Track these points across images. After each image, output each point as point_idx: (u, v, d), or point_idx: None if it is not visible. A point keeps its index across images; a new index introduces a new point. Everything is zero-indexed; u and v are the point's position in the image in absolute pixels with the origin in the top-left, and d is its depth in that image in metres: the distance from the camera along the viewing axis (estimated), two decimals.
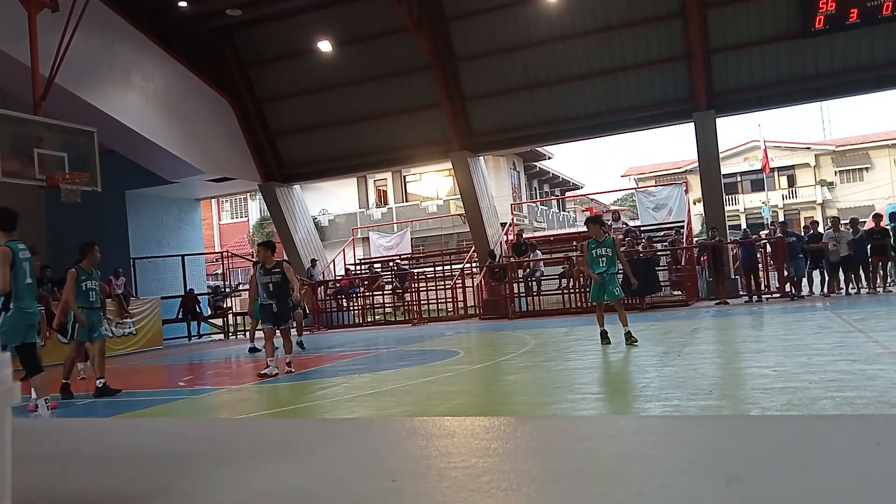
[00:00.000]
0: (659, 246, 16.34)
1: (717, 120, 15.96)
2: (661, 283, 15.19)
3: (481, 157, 18.72)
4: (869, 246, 13.79)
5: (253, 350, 11.85)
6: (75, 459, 0.60)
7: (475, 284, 17.49)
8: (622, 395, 5.08)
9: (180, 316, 17.66)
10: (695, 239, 18.46)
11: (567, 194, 40.31)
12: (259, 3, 16.83)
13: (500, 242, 18.75)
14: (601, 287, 8.16)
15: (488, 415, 4.94)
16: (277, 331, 8.20)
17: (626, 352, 7.52)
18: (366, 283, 19.10)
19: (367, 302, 19.11)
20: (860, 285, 14.02)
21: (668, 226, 17.82)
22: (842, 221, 15.74)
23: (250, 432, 0.63)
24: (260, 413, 5.93)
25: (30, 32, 10.79)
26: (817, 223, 16.58)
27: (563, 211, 40.65)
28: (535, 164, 34.96)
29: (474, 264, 18.56)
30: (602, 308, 8.34)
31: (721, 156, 17.35)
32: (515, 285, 16.32)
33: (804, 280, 14.64)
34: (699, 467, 0.40)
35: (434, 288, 18.38)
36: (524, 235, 18.93)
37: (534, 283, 16.40)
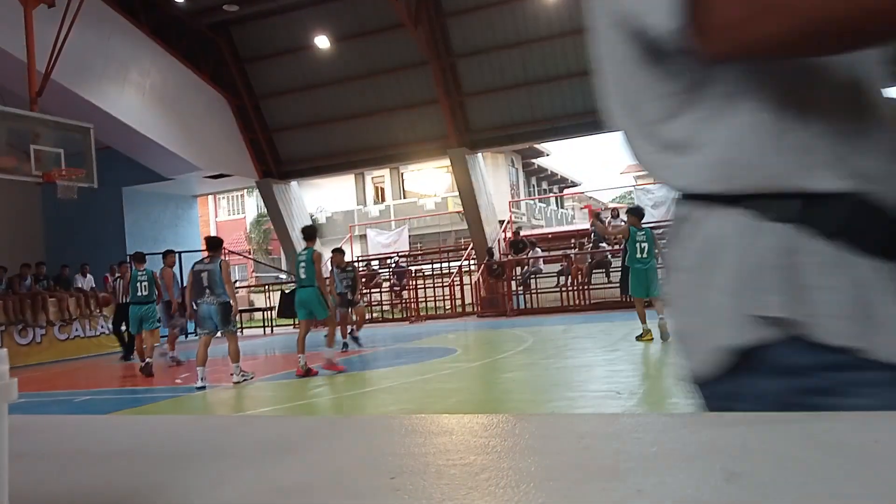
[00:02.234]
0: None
1: None
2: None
3: (479, 154, 18.71)
4: None
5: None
6: (73, 456, 0.60)
7: (473, 282, 17.50)
8: (620, 393, 5.09)
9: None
10: None
11: (565, 192, 40.34)
12: None
13: (499, 240, 18.76)
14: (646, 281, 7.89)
15: (486, 412, 4.95)
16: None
17: (625, 349, 7.53)
18: (363, 280, 19.10)
19: (365, 299, 19.11)
20: None
21: (667, 223, 17.86)
22: None
23: (246, 429, 0.63)
24: (256, 410, 5.94)
25: (26, 27, 10.75)
26: None
27: (562, 208, 40.68)
28: (534, 161, 34.97)
29: (472, 262, 18.58)
30: (643, 304, 8.00)
31: None
32: (513, 283, 16.34)
33: None
34: (698, 464, 0.40)
35: (432, 285, 18.38)
36: (521, 233, 18.95)
37: (532, 281, 16.42)
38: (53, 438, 0.79)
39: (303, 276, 7.67)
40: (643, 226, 8.23)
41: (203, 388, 7.27)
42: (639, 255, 7.89)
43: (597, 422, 0.59)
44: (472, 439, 0.57)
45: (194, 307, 7.67)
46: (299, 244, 20.06)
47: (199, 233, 22.25)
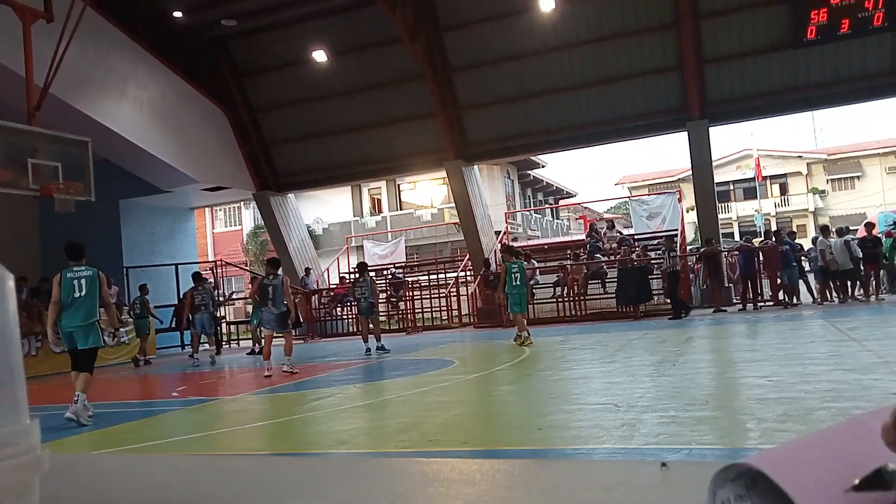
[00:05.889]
0: (652, 254, 16.38)
1: (710, 129, 16.05)
2: (654, 292, 15.22)
3: (475, 166, 18.75)
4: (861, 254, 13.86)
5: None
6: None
7: (469, 293, 17.48)
8: (618, 406, 5.07)
9: (173, 325, 17.56)
10: (689, 247, 18.52)
11: (561, 203, 40.41)
12: (254, 13, 16.87)
13: (495, 251, 18.76)
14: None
15: (485, 426, 4.93)
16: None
17: (622, 360, 7.52)
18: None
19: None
20: (856, 293, 14.09)
21: (661, 234, 17.88)
22: (832, 229, 15.85)
23: (250, 472, 0.61)
24: (253, 424, 5.90)
25: (24, 42, 10.75)
26: (794, 233, 16.76)
27: (557, 219, 40.74)
28: (529, 172, 35.06)
29: (468, 273, 18.57)
30: (523, 317, 10.66)
31: (714, 164, 17.44)
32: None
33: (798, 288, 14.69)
34: None
35: (428, 296, 18.35)
36: (514, 244, 18.92)
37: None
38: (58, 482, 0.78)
39: (516, 282, 10.36)
40: (515, 260, 10.66)
41: (270, 376, 8.80)
42: (514, 283, 10.30)
43: (626, 470, 0.59)
44: (498, 490, 0.56)
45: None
46: (296, 256, 20.12)
47: (196, 244, 22.20)
